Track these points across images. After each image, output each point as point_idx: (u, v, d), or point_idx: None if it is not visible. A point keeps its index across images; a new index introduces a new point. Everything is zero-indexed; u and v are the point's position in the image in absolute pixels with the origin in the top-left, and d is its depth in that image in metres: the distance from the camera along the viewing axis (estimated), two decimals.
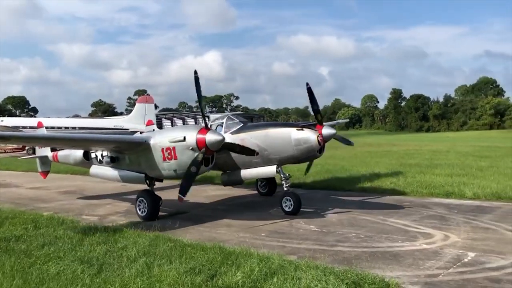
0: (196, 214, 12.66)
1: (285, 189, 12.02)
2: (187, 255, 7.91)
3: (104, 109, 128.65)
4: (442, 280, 6.64)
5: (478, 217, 10.79)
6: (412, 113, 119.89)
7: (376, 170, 21.02)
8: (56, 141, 12.74)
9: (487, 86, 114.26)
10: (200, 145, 10.21)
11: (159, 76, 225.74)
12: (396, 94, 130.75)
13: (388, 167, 22.12)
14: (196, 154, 10.19)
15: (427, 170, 20.32)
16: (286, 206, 11.87)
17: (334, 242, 9.03)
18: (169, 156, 10.49)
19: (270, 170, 11.92)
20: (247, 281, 6.44)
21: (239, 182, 13.20)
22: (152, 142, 10.85)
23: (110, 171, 12.54)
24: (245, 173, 12.24)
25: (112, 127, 47.41)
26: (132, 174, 11.87)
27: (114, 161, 12.11)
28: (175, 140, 10.41)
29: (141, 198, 11.83)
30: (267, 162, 11.83)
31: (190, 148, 10.23)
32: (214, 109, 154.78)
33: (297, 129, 11.58)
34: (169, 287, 6.33)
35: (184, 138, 10.28)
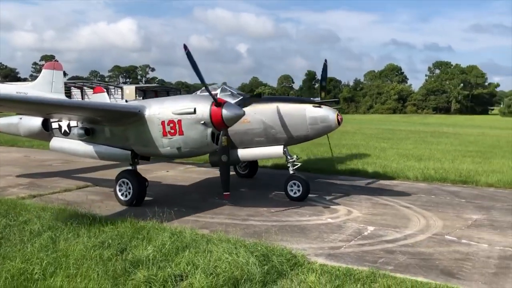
0: (106, 188, 12.24)
1: (291, 172, 10.71)
2: (96, 229, 7.69)
3: (5, 74, 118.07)
4: (344, 252, 7.13)
5: (379, 194, 11.64)
6: (324, 95, 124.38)
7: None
8: (46, 107, 9.33)
9: (393, 73, 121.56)
10: (215, 120, 8.59)
11: (68, 42, 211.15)
12: (310, 76, 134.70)
13: (298, 146, 22.91)
14: (209, 129, 8.67)
15: (335, 150, 21.37)
16: (293, 191, 10.63)
17: (246, 217, 9.27)
18: (172, 131, 8.81)
19: (275, 150, 10.59)
20: (158, 255, 6.42)
21: (234, 163, 12.00)
22: (147, 113, 9.04)
23: (81, 146, 10.56)
24: (244, 153, 10.74)
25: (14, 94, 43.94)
26: (114, 150, 10.09)
27: (88, 134, 10.17)
28: (182, 112, 8.69)
29: (123, 180, 10.03)
30: (272, 141, 10.57)
31: (202, 122, 8.58)
32: (128, 80, 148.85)
33: (314, 106, 10.45)
34: (75, 262, 6.12)
35: (195, 110, 8.60)
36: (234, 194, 11.65)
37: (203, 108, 8.61)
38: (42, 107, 9.27)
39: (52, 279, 5.65)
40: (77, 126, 10.50)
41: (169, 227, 7.84)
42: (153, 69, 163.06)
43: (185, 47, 8.64)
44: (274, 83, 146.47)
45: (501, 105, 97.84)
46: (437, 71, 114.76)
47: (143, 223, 8.11)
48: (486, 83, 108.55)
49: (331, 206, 10.28)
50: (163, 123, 8.86)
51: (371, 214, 9.56)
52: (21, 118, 12.19)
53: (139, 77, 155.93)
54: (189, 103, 8.78)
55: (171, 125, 8.81)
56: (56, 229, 7.64)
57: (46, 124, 11.42)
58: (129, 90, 62.68)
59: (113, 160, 10.74)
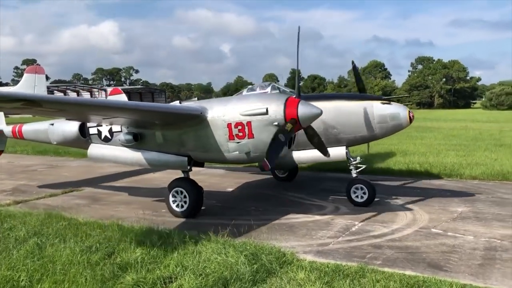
0: (92, 192, 12.13)
1: (354, 175, 9.91)
2: (83, 233, 7.62)
3: None
4: (332, 248, 7.17)
5: None
6: (309, 92, 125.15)
7: None
8: (110, 110, 8.03)
9: (376, 69, 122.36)
10: (290, 120, 7.88)
11: (49, 45, 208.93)
12: (295, 74, 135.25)
13: None
14: None
15: None
16: (357, 196, 9.83)
17: (234, 216, 9.25)
18: (241, 134, 8.01)
19: (337, 152, 9.62)
20: (146, 257, 6.39)
21: (288, 167, 11.28)
22: (210, 115, 8.23)
23: (126, 153, 9.61)
24: (300, 155, 9.77)
25: None
26: (167, 157, 9.16)
27: (136, 140, 9.20)
28: (253, 112, 7.91)
29: (177, 189, 9.15)
30: (333, 142, 9.64)
31: (275, 123, 7.83)
32: (112, 82, 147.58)
33: (382, 102, 9.69)
34: (63, 267, 6.06)
35: (267, 110, 7.86)
36: (220, 194, 11.68)
37: (276, 108, 7.84)
38: (100, 110, 8.05)
39: (39, 285, 5.59)
40: (121, 131, 9.60)
41: (157, 229, 7.80)
42: (137, 71, 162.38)
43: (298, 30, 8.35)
44: (259, 82, 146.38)
45: (483, 99, 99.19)
46: (420, 67, 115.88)
47: (131, 225, 8.07)
48: (468, 77, 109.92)
49: (319, 203, 10.32)
50: (229, 125, 8.06)
51: (358, 210, 9.61)
52: (52, 124, 11.17)
53: (123, 79, 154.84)
54: (259, 103, 7.98)
55: (239, 127, 8.01)
56: (42, 234, 7.56)
57: (82, 130, 10.51)
58: None
59: (165, 167, 9.86)
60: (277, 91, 10.21)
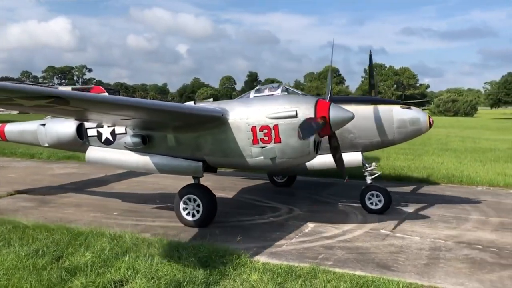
0: (40, 194, 11.68)
1: (369, 181, 9.63)
2: (29, 237, 7.33)
3: None
4: (286, 250, 7.26)
5: (319, 192, 11.95)
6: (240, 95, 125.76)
7: None
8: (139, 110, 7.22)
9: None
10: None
11: None
12: (252, 77, 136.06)
13: None
14: (313, 136, 7.37)
15: None
16: (372, 203, 9.54)
17: None
18: (266, 138, 7.45)
19: (353, 158, 9.35)
20: (97, 261, 6.22)
21: (300, 172, 10.79)
22: (232, 117, 7.66)
23: (132, 157, 8.89)
24: (314, 161, 8.81)
25: None
26: (180, 161, 8.50)
27: (145, 143, 8.56)
28: (280, 115, 7.35)
29: (189, 196, 8.53)
30: (348, 147, 9.32)
31: None
32: (63, 81, 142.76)
33: (402, 107, 9.42)
34: (6, 272, 5.80)
35: (296, 113, 7.32)
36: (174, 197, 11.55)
37: (306, 110, 7.33)
38: (134, 111, 7.27)
39: None
40: (125, 134, 8.98)
41: (108, 232, 7.62)
42: (90, 70, 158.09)
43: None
44: (216, 84, 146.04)
45: (431, 105, 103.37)
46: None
47: (80, 228, 7.84)
48: (418, 84, 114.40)
49: (273, 205, 10.41)
50: (253, 129, 7.49)
51: (312, 212, 9.79)
52: (43, 125, 10.27)
53: (75, 78, 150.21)
54: (287, 105, 7.43)
55: (265, 131, 7.44)
56: None
57: (80, 131, 9.72)
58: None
59: (177, 173, 8.86)
60: (286, 92, 9.79)
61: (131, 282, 5.65)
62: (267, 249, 7.30)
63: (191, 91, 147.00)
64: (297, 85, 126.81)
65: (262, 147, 7.52)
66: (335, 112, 7.43)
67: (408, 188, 12.59)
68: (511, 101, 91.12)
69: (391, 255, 6.99)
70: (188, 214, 8.53)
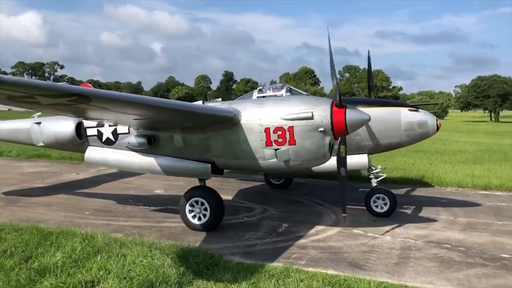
0: (9, 193, 11.39)
1: (374, 184, 9.56)
2: None
3: None
4: (259, 249, 7.29)
5: (294, 192, 12.03)
6: (242, 95, 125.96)
7: None
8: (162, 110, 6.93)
9: (306, 76, 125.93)
10: (337, 126, 7.20)
11: None
12: (228, 77, 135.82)
13: None
14: (327, 138, 7.22)
15: None
16: (378, 206, 9.45)
17: (161, 219, 9.12)
18: (280, 140, 7.25)
19: (359, 160, 9.19)
20: (67, 261, 6.12)
21: (287, 173, 10.59)
22: (244, 118, 7.42)
23: (135, 158, 8.54)
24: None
25: None
26: (187, 163, 8.17)
27: (150, 143, 8.23)
28: (296, 116, 7.16)
29: (196, 199, 8.24)
30: (354, 150, 9.15)
31: (320, 129, 7.15)
32: (34, 77, 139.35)
33: (409, 109, 9.26)
34: None
35: (312, 114, 7.19)
36: (147, 196, 11.44)
37: (322, 112, 7.17)
38: (156, 111, 6.94)
39: None
40: (128, 133, 8.67)
41: (79, 232, 7.50)
42: (62, 66, 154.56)
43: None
44: (191, 83, 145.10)
45: (437, 107, 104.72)
46: (347, 75, 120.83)
47: (50, 228, 7.69)
48: (391, 87, 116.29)
49: (248, 205, 10.44)
50: (267, 130, 7.28)
51: (285, 212, 9.85)
52: (38, 123, 9.83)
53: (46, 74, 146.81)
54: (302, 106, 7.23)
55: (279, 133, 7.24)
56: None
57: (78, 130, 9.34)
58: None
59: (183, 175, 8.50)
60: (289, 93, 9.59)
61: (102, 283, 5.57)
62: (241, 249, 7.31)
63: (166, 89, 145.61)
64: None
65: (276, 149, 7.34)
66: (351, 114, 7.27)
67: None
68: (480, 104, 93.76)
69: (363, 255, 7.10)
70: (194, 217, 8.25)
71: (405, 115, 9.19)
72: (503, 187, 13.00)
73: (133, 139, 8.26)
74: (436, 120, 9.36)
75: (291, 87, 9.99)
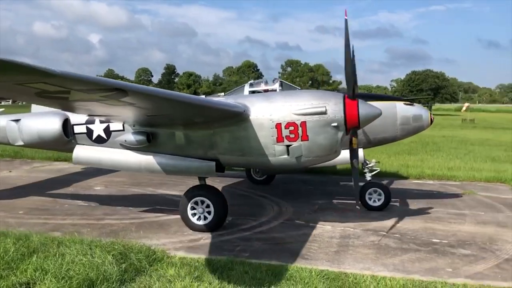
0: None
1: (369, 178, 9.58)
2: None
3: None
4: (203, 243, 7.28)
5: (239, 186, 12.10)
6: (184, 89, 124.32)
7: None
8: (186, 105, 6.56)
9: (249, 69, 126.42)
10: (350, 121, 7.06)
11: None
12: (170, 70, 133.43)
13: None
14: (340, 133, 7.04)
15: None
16: (372, 199, 9.47)
17: (101, 216, 8.88)
18: (292, 136, 6.99)
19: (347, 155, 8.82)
20: None
21: (296, 170, 10.28)
22: (254, 113, 7.12)
23: (132, 157, 8.03)
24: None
25: None
26: (189, 161, 7.76)
27: (149, 141, 7.78)
28: (309, 111, 6.93)
29: (198, 199, 7.86)
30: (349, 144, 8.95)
31: (334, 124, 6.97)
32: None
33: (405, 103, 9.31)
34: None
35: (326, 109, 6.98)
36: (87, 193, 11.08)
37: (335, 107, 6.99)
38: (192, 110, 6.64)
39: None
40: (123, 130, 8.14)
41: (12, 232, 7.13)
42: None
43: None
44: (131, 76, 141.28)
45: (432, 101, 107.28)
46: (289, 69, 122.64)
47: None
48: (331, 81, 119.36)
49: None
50: (278, 126, 7.00)
51: (230, 205, 9.85)
52: (17, 120, 9.01)
53: None
54: (314, 101, 7.02)
55: (291, 128, 6.98)
56: None
57: (65, 128, 8.63)
58: None
59: (185, 174, 8.15)
60: (281, 87, 9.46)
61: (39, 284, 5.35)
62: (184, 243, 7.27)
63: None
64: (216, 79, 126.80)
65: (288, 145, 7.07)
66: (364, 109, 7.19)
67: (321, 179, 13.15)
68: (414, 98, 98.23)
69: (304, 244, 7.29)
70: (198, 218, 7.89)
71: (401, 109, 9.28)
72: (434, 176, 13.79)
73: (130, 137, 7.79)
74: (430, 114, 9.53)
75: (283, 81, 9.91)
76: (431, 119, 9.52)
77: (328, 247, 7.19)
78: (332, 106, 7.00)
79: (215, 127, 7.40)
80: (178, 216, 8.85)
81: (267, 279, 5.68)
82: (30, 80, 4.55)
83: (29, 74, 4.28)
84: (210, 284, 5.49)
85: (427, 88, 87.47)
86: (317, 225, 8.39)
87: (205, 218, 7.86)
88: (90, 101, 5.75)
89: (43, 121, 8.74)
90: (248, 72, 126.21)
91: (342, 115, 7.01)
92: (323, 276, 5.82)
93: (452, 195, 11.27)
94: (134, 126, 7.86)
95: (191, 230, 7.88)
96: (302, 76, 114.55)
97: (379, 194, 9.50)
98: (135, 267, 5.93)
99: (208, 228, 7.83)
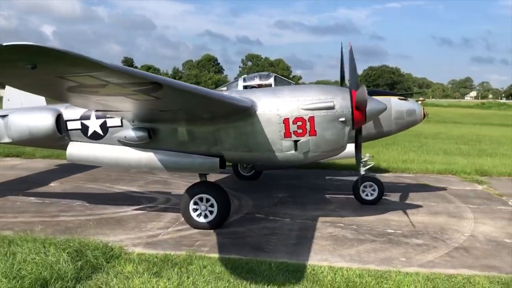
0: None
1: (363, 173, 9.56)
2: None
3: None
4: (162, 239, 7.21)
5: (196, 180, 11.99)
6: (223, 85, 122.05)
7: None
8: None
9: (210, 63, 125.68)
10: (358, 115, 7.09)
11: None
12: (128, 63, 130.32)
13: None
14: (347, 128, 7.05)
15: None
16: (366, 193, 9.58)
17: (56, 213, 8.61)
18: (300, 131, 6.94)
19: (349, 150, 8.48)
20: None
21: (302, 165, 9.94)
22: (260, 108, 7.02)
23: (131, 154, 7.74)
24: None
25: None
26: (191, 158, 7.55)
27: (151, 137, 7.49)
28: (317, 106, 6.90)
29: (201, 196, 7.63)
30: None
31: (341, 119, 6.97)
32: None
33: (399, 99, 9.36)
34: None
35: (334, 104, 6.96)
36: (41, 189, 10.73)
37: (343, 102, 6.98)
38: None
39: None
40: (121, 126, 7.80)
41: None
42: None
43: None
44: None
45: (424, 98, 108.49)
46: (250, 63, 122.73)
47: None
48: (291, 76, 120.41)
49: (150, 195, 10.24)
50: (286, 121, 6.93)
51: None
52: (4, 116, 8.54)
53: None
54: (322, 96, 7.01)
55: (299, 123, 6.93)
56: None
57: (58, 124, 8.18)
58: None
59: (188, 170, 7.93)
60: (275, 82, 9.40)
61: None
62: (142, 239, 7.17)
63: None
64: (176, 72, 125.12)
65: (295, 141, 7.02)
66: (371, 104, 7.26)
67: (278, 172, 13.26)
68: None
69: (264, 237, 7.35)
70: (200, 215, 7.68)
71: (395, 104, 9.38)
72: (389, 168, 14.21)
73: (131, 133, 7.51)
74: (423, 108, 9.73)
75: (277, 75, 9.77)
76: (424, 114, 9.74)
77: (287, 239, 7.28)
78: (339, 101, 7.02)
79: (220, 123, 7.25)
80: (136, 212, 8.76)
81: (227, 273, 5.70)
82: (76, 72, 4.36)
83: (79, 66, 4.14)
84: (169, 279, 5.44)
85: (383, 83, 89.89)
86: (277, 218, 8.48)
87: (206, 216, 7.67)
88: (117, 95, 5.57)
89: (34, 117, 8.30)
90: (208, 66, 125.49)
91: (350, 110, 7.04)
92: (282, 269, 5.90)
93: (406, 187, 11.65)
94: (133, 121, 7.60)
95: (194, 228, 7.70)
96: (263, 71, 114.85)
97: (373, 189, 9.64)
98: (91, 265, 5.80)
99: (211, 225, 7.66)
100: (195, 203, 7.68)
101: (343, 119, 6.99)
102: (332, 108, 6.95)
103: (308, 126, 6.97)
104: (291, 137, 7.01)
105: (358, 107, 7.10)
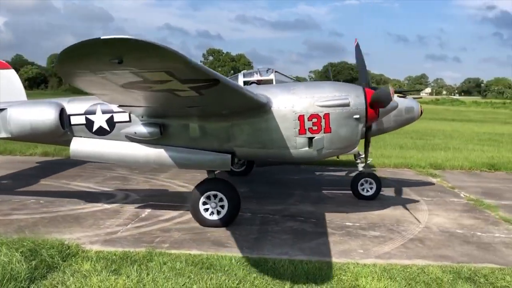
0: None
1: (361, 169, 9.76)
2: None
3: None
4: (121, 236, 7.08)
5: (156, 176, 11.87)
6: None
7: None
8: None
9: None
10: (371, 113, 7.18)
11: None
12: None
13: None
14: (361, 125, 7.07)
15: None
16: (364, 189, 9.69)
17: (8, 211, 8.28)
18: (315, 128, 6.87)
19: None
20: None
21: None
22: (276, 104, 6.92)
23: (139, 150, 7.49)
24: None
25: None
26: (203, 154, 7.33)
27: (161, 132, 7.24)
28: (332, 103, 6.87)
29: (211, 193, 7.47)
30: None
31: (356, 116, 6.97)
32: None
33: (398, 96, 9.28)
34: None
35: (349, 101, 6.93)
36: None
37: (357, 99, 7.00)
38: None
39: None
40: (129, 122, 7.55)
41: None
42: None
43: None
44: (43, 63, 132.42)
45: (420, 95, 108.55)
46: (211, 58, 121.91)
47: None
48: None
49: (108, 192, 10.03)
50: (301, 118, 6.86)
51: (149, 196, 9.69)
52: (1, 110, 8.10)
53: None
54: (337, 93, 6.99)
55: (314, 120, 6.87)
56: None
57: (61, 118, 7.78)
58: None
59: (198, 167, 7.80)
60: (275, 77, 9.38)
61: None
62: (101, 237, 7.02)
63: (13, 67, 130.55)
64: None
65: (310, 138, 6.97)
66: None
67: (240, 169, 13.28)
68: None
69: (225, 233, 7.35)
70: (210, 213, 7.56)
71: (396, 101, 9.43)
72: (348, 162, 14.47)
73: (142, 129, 7.26)
74: (420, 106, 9.90)
75: (278, 71, 9.78)
76: (421, 111, 9.94)
77: (248, 234, 7.31)
78: (354, 98, 7.05)
79: (235, 119, 7.12)
80: (94, 209, 8.56)
81: (187, 269, 5.66)
82: (156, 68, 4.20)
83: (165, 62, 3.99)
84: (128, 277, 5.35)
85: (342, 79, 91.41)
86: (239, 213, 8.48)
87: (218, 212, 7.57)
88: (166, 91, 5.34)
89: (36, 111, 7.93)
90: None
91: (364, 107, 7.08)
92: (243, 263, 5.92)
93: None
94: (142, 117, 7.35)
95: (202, 226, 7.57)
96: (224, 66, 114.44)
97: (371, 184, 9.77)
98: (46, 264, 5.62)
99: (222, 222, 7.57)
100: (205, 201, 7.57)
101: (357, 116, 7.04)
102: (347, 105, 6.99)
103: (323, 123, 6.96)
104: (306, 133, 6.99)
105: (374, 104, 7.23)
